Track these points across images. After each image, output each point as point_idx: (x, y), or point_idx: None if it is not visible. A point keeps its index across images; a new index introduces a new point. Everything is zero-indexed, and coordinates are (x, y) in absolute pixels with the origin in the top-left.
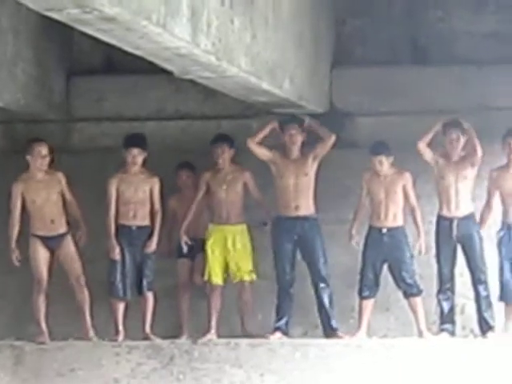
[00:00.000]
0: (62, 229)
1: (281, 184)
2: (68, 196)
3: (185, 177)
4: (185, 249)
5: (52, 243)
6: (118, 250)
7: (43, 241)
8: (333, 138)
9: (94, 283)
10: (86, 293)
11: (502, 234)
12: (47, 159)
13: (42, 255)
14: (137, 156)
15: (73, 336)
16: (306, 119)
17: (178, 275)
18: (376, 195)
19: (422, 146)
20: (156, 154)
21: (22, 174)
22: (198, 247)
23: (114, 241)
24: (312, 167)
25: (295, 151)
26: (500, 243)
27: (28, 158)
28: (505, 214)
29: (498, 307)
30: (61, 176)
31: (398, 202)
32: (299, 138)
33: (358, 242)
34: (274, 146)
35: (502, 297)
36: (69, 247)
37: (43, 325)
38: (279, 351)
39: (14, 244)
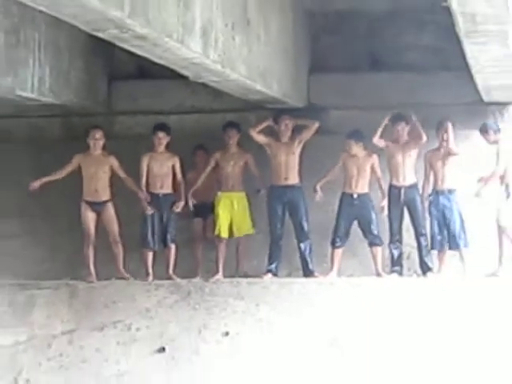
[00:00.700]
0: (105, 197)
1: (274, 161)
2: (122, 174)
3: (200, 155)
4: (192, 208)
5: (97, 207)
6: (149, 208)
7: (90, 205)
8: (316, 125)
9: (129, 238)
10: (120, 247)
11: (431, 198)
12: (101, 142)
13: (89, 216)
14: (162, 138)
15: (114, 277)
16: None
17: (193, 231)
18: (350, 170)
19: (376, 140)
20: (176, 140)
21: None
22: (209, 209)
23: (145, 203)
24: (298, 148)
25: (286, 136)
26: (430, 205)
27: (88, 140)
28: (435, 183)
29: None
30: (112, 159)
31: (366, 177)
32: (290, 126)
33: (321, 196)
34: (269, 133)
35: (432, 245)
36: (109, 212)
37: (92, 268)
38: (270, 287)
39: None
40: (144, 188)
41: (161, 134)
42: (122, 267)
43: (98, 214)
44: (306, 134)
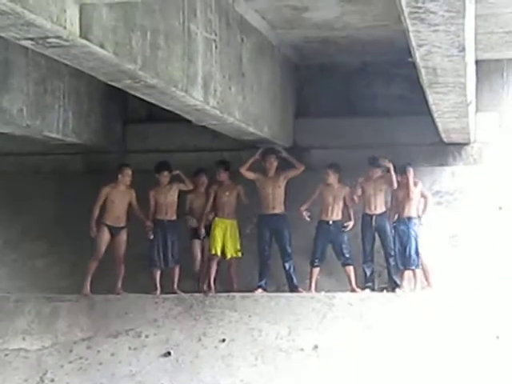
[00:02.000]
0: (123, 223)
1: (262, 193)
2: (135, 205)
3: (200, 177)
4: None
5: (114, 231)
6: (151, 233)
7: (109, 228)
8: (302, 168)
9: (138, 258)
10: (123, 268)
11: (394, 224)
12: (129, 178)
13: (106, 237)
14: (167, 176)
15: (126, 291)
16: (283, 153)
17: (193, 250)
18: (326, 199)
19: (243, 171)
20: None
21: (110, 184)
22: (205, 232)
23: (149, 230)
24: (283, 183)
25: (272, 172)
26: (393, 230)
27: (119, 176)
28: (397, 212)
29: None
30: (132, 191)
31: (340, 205)
32: (275, 164)
33: (307, 215)
34: (257, 168)
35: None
36: (123, 236)
37: (88, 281)
38: (260, 300)
39: (92, 221)
40: (151, 216)
41: (165, 173)
42: (121, 285)
43: (113, 237)
44: (292, 173)
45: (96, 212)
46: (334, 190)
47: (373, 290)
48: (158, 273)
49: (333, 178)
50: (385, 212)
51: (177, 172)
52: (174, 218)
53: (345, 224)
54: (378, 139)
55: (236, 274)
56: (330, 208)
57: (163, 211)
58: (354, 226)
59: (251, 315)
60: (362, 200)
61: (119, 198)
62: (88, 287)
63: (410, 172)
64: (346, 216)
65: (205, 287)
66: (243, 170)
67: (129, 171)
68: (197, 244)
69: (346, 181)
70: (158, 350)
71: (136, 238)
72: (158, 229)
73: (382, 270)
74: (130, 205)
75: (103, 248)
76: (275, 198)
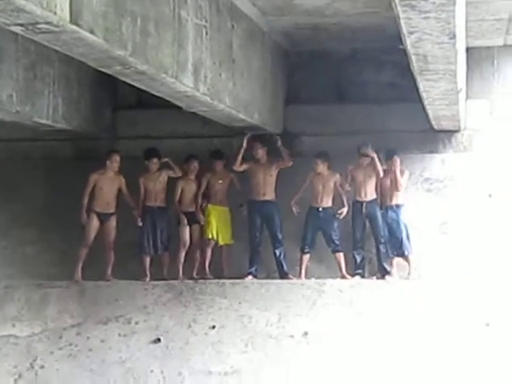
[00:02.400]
0: (112, 210)
1: (254, 180)
2: (125, 192)
3: (191, 164)
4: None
5: (104, 218)
6: (139, 220)
7: (98, 215)
8: (291, 163)
9: (128, 244)
10: (112, 254)
11: (382, 212)
12: (117, 164)
13: (95, 224)
14: (156, 163)
15: (116, 278)
16: (279, 142)
17: (182, 237)
18: (316, 186)
19: (236, 167)
20: (172, 160)
21: (98, 170)
22: (193, 218)
23: (138, 217)
24: (275, 172)
25: (264, 159)
26: (382, 218)
27: (107, 162)
28: (385, 200)
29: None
30: (122, 178)
31: (330, 192)
32: (262, 153)
33: (297, 210)
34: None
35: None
36: (113, 223)
37: (79, 268)
38: (250, 287)
39: (83, 208)
40: (141, 203)
41: (155, 160)
42: (110, 272)
43: (102, 224)
44: (282, 165)
45: (85, 199)
46: (324, 177)
47: (363, 276)
48: (148, 259)
49: (322, 167)
50: (375, 199)
51: (166, 159)
52: (164, 204)
53: (338, 211)
54: (369, 126)
55: (226, 260)
56: (320, 195)
57: (152, 198)
58: (347, 212)
59: (241, 302)
60: (352, 187)
61: (108, 184)
62: (79, 273)
63: (397, 161)
64: (338, 203)
65: (194, 274)
66: (236, 167)
67: (117, 157)
68: (186, 230)
69: (336, 167)
70: (147, 336)
71: (126, 225)
72: (147, 215)
73: (372, 256)
74: (119, 191)
75: (92, 235)
76: (266, 185)
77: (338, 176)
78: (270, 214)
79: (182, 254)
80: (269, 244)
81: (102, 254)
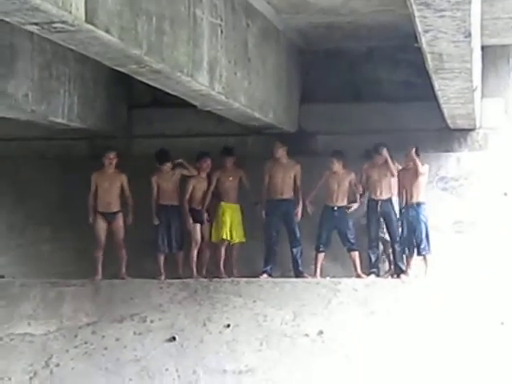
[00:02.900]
0: (116, 208)
1: (273, 180)
2: (127, 191)
3: (205, 161)
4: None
5: (109, 217)
6: (156, 219)
7: (103, 215)
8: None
9: (143, 243)
10: (124, 252)
11: (403, 210)
12: (114, 161)
13: (101, 225)
14: (168, 166)
15: (131, 276)
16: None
17: (193, 235)
18: (331, 185)
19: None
20: (186, 159)
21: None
22: (203, 216)
23: (154, 214)
24: (293, 176)
25: (283, 159)
26: (401, 216)
27: (103, 160)
28: (405, 197)
29: None
30: (123, 177)
31: (345, 191)
32: (282, 152)
33: (312, 209)
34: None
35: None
36: (119, 221)
37: (99, 269)
38: (265, 286)
39: (90, 208)
40: (154, 202)
41: (167, 164)
42: (125, 270)
43: (109, 223)
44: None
45: (91, 199)
46: (339, 176)
47: (378, 275)
48: (163, 258)
49: (337, 166)
50: (390, 198)
51: (180, 161)
52: (177, 203)
53: (348, 205)
54: (384, 125)
55: (236, 259)
56: (335, 194)
57: (166, 196)
58: (358, 208)
59: (256, 300)
60: (367, 186)
61: (107, 183)
62: (100, 274)
63: (413, 153)
64: (353, 201)
65: (204, 272)
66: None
67: (111, 155)
68: (198, 228)
69: (351, 166)
70: (162, 334)
71: (139, 223)
72: (162, 214)
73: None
74: (122, 190)
75: (102, 236)
76: (285, 184)
77: (353, 175)
78: (288, 212)
79: (195, 253)
80: (283, 243)
81: (116, 252)
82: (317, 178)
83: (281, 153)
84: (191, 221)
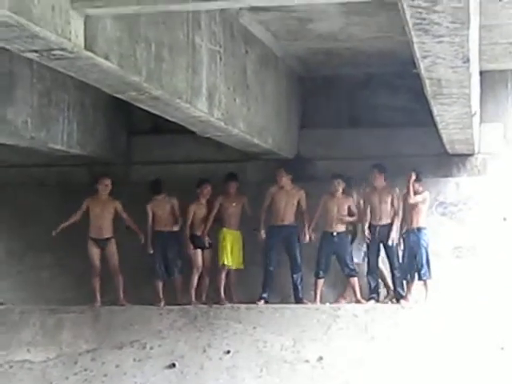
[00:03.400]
0: (108, 234)
1: (276, 206)
2: (125, 216)
3: (205, 188)
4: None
5: (101, 243)
6: (151, 247)
7: (95, 241)
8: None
9: (141, 269)
10: (121, 278)
11: (404, 235)
12: (108, 188)
13: (94, 251)
14: (163, 196)
15: (130, 302)
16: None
17: (194, 261)
18: (330, 210)
19: (412, 199)
20: (184, 186)
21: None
22: (204, 242)
23: (149, 242)
24: (296, 202)
25: (287, 187)
26: (403, 241)
27: (98, 186)
28: (406, 223)
29: None
30: (117, 203)
31: (344, 216)
32: (286, 180)
33: (315, 237)
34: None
35: (402, 275)
36: (112, 247)
37: (98, 296)
38: (265, 312)
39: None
40: (150, 229)
41: (161, 196)
42: (123, 296)
43: (102, 249)
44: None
45: (72, 219)
46: (338, 201)
47: (377, 301)
48: (161, 284)
49: (340, 189)
50: (390, 223)
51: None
52: (175, 228)
53: (305, 232)
54: (382, 150)
55: (234, 285)
56: (335, 219)
57: (162, 223)
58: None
59: (256, 327)
60: (367, 210)
61: (100, 208)
62: (99, 301)
63: (411, 179)
64: (352, 226)
65: (203, 298)
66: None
67: (105, 181)
68: (199, 254)
69: (349, 192)
70: (162, 361)
71: (136, 250)
72: (157, 241)
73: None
74: (115, 216)
75: (96, 262)
76: (287, 210)
77: (351, 200)
78: (289, 237)
79: (196, 278)
80: (283, 268)
81: (112, 279)
82: (316, 203)
83: (285, 181)
84: (192, 246)
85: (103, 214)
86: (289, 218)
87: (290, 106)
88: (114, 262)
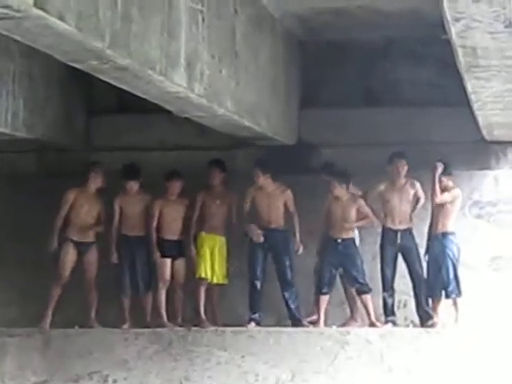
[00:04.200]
0: (92, 238)
1: (258, 207)
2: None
3: (174, 183)
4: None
5: (82, 248)
6: (115, 255)
7: (76, 245)
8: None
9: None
10: (95, 294)
11: (428, 242)
12: (101, 179)
13: (71, 256)
14: (133, 186)
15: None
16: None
17: (160, 273)
18: (334, 213)
19: (438, 198)
20: (157, 178)
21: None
22: (178, 249)
23: (113, 248)
24: (282, 204)
25: (269, 187)
26: (427, 250)
27: (90, 176)
28: (430, 227)
29: None
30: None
31: (352, 219)
32: (266, 181)
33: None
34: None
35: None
36: (93, 255)
37: (49, 313)
38: (257, 337)
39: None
40: (116, 231)
41: (132, 182)
42: (94, 316)
43: (80, 255)
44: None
45: (59, 222)
46: (344, 202)
47: (395, 324)
48: (127, 302)
49: (340, 191)
50: (411, 228)
51: None
52: (143, 233)
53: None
54: (403, 136)
55: (217, 304)
56: (339, 223)
57: (130, 225)
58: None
59: (245, 355)
60: (381, 212)
61: (88, 205)
62: (48, 320)
63: (436, 172)
64: (363, 232)
65: (179, 320)
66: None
67: (101, 169)
68: (167, 264)
69: (363, 187)
70: None
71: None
72: (125, 248)
73: (407, 299)
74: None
75: (68, 270)
76: (272, 212)
77: (360, 202)
78: (275, 244)
79: (163, 295)
80: (277, 282)
81: (75, 293)
82: (320, 202)
83: (263, 181)
84: (159, 254)
85: (91, 213)
86: (276, 221)
87: (289, 78)
88: (92, 273)
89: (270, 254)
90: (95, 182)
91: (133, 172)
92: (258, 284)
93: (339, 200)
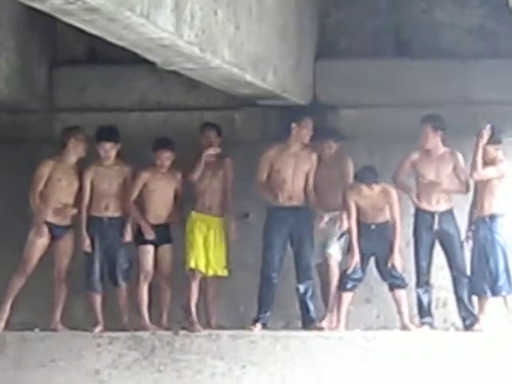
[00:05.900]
0: (68, 221)
1: (279, 175)
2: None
3: (163, 154)
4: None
5: (58, 232)
6: (88, 242)
7: (50, 228)
8: None
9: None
10: (65, 289)
11: (473, 227)
12: (83, 148)
13: (43, 241)
14: (109, 150)
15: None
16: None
17: (140, 263)
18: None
19: (477, 175)
20: (138, 145)
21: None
22: (163, 234)
23: (85, 233)
24: (306, 171)
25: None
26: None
27: (70, 143)
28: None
29: None
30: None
31: (384, 211)
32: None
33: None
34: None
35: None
36: (69, 241)
37: (7, 307)
38: (260, 343)
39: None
40: (85, 211)
41: (107, 145)
42: (59, 316)
43: (53, 241)
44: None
45: (38, 202)
46: (374, 197)
47: (433, 327)
48: (99, 298)
49: (369, 191)
50: (451, 209)
51: None
52: (118, 214)
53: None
54: (443, 93)
55: (214, 301)
56: (370, 209)
57: (103, 203)
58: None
59: (246, 365)
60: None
61: (67, 180)
62: (4, 319)
63: (481, 138)
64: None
65: (164, 321)
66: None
67: (83, 135)
68: (149, 252)
69: (391, 158)
70: None
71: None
72: (95, 231)
73: (447, 296)
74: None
75: (36, 257)
76: (295, 183)
77: (394, 194)
78: (297, 226)
79: (144, 290)
80: (286, 276)
81: (37, 287)
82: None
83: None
84: (139, 240)
85: (70, 189)
86: (298, 196)
87: (301, 24)
88: (65, 262)
89: (291, 236)
90: (75, 152)
91: (109, 133)
92: (275, 277)
93: (369, 198)
